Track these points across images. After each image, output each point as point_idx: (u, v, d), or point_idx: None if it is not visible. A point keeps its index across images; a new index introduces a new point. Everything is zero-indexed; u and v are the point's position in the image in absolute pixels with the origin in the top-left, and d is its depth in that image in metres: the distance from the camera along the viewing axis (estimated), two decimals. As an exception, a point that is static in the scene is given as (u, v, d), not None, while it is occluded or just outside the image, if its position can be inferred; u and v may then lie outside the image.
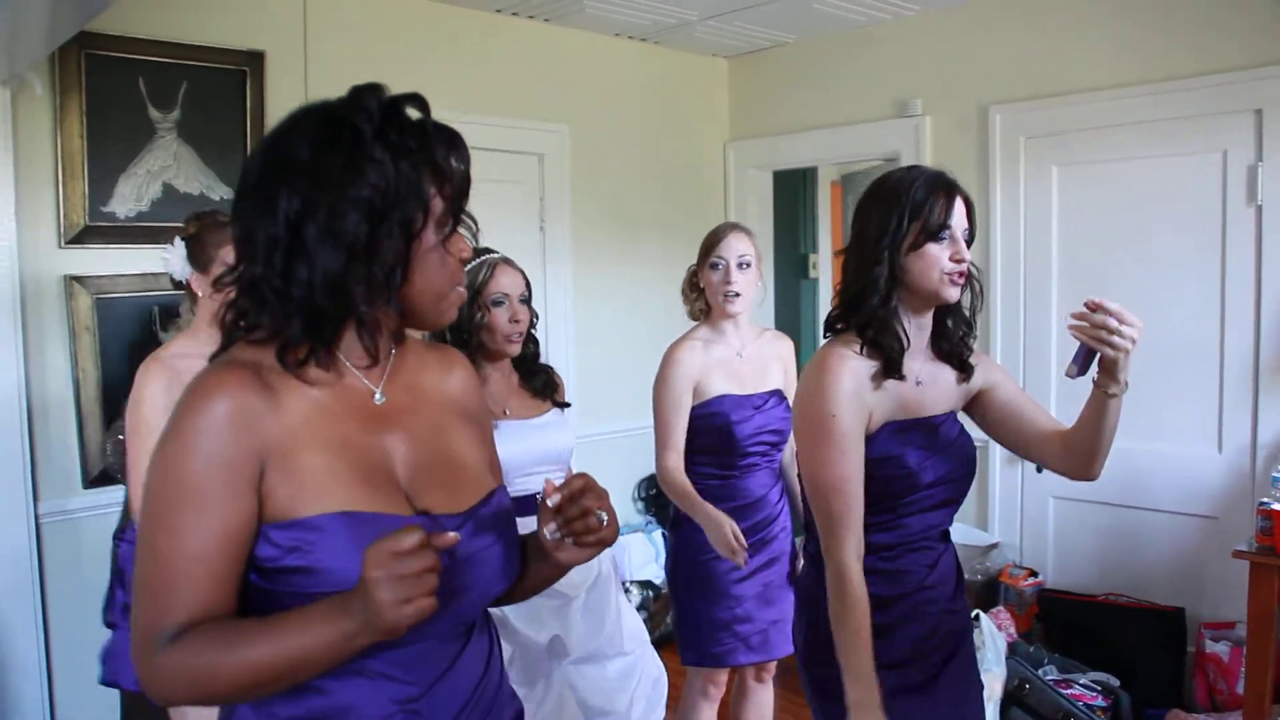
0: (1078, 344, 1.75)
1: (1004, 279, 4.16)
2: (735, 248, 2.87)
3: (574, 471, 1.36)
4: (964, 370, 1.99)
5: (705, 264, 2.92)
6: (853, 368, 1.86)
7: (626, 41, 4.73)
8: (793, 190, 5.81)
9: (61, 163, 3.25)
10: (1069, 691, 3.48)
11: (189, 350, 2.47)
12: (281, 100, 3.69)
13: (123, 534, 2.60)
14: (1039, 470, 4.09)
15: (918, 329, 1.92)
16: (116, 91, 3.34)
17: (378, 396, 1.29)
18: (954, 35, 4.28)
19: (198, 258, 2.60)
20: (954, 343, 1.97)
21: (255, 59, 3.60)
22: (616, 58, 4.72)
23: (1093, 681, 3.54)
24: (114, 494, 3.40)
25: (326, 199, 1.15)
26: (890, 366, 1.86)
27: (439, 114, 1.27)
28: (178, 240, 2.63)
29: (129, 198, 3.40)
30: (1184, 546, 3.76)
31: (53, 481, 3.31)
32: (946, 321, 1.96)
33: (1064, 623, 3.82)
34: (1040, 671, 3.55)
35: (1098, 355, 1.75)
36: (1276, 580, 2.95)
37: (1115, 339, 1.70)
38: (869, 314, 1.87)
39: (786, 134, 4.95)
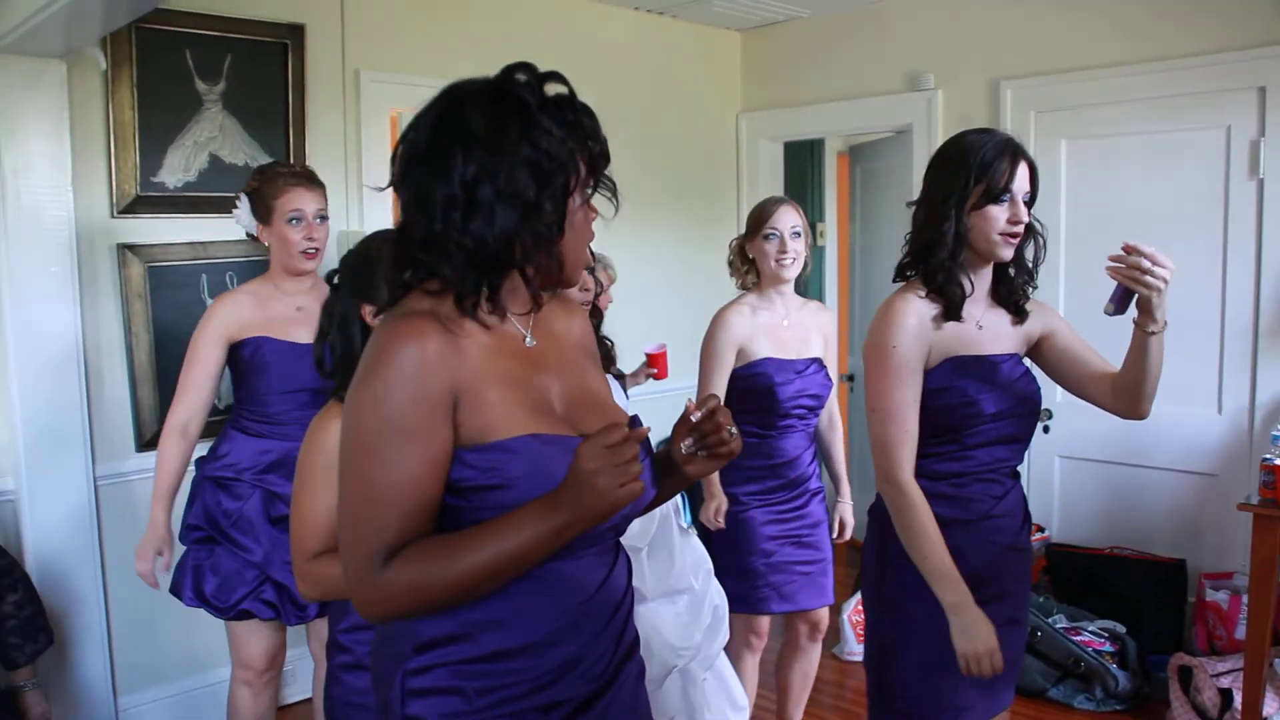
0: (1115, 284, 1.95)
1: (1013, 248, 4.32)
2: (788, 219, 3.04)
3: None
4: (1018, 315, 2.17)
5: (758, 235, 3.06)
6: (917, 308, 2.06)
7: (644, 15, 4.83)
8: (800, 160, 5.95)
9: (113, 134, 3.34)
10: (1079, 639, 3.69)
11: (265, 290, 2.85)
12: (321, 71, 3.78)
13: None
14: (1046, 430, 4.28)
15: (978, 279, 2.11)
16: (165, 64, 3.42)
17: (529, 340, 1.45)
18: (966, 11, 4.43)
19: (258, 210, 2.77)
20: (1013, 290, 2.15)
21: (296, 31, 3.68)
22: (634, 30, 4.83)
23: (1100, 629, 3.76)
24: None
25: (504, 164, 1.31)
26: (952, 310, 2.06)
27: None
28: (243, 196, 2.77)
29: (178, 168, 3.48)
30: (1185, 502, 3.97)
31: (107, 445, 3.42)
32: (1009, 270, 2.14)
33: (1071, 574, 4.03)
34: (1050, 620, 3.76)
35: (1135, 297, 1.95)
36: (1278, 531, 3.16)
37: (1148, 278, 1.90)
38: (936, 265, 2.06)
39: (799, 106, 5.08)
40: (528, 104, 1.33)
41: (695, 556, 2.65)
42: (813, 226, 6.14)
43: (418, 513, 1.30)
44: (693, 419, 1.46)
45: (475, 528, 1.30)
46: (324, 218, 2.81)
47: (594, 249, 3.65)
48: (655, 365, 3.70)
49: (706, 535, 3.21)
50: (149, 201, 3.42)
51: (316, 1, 3.76)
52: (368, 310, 1.89)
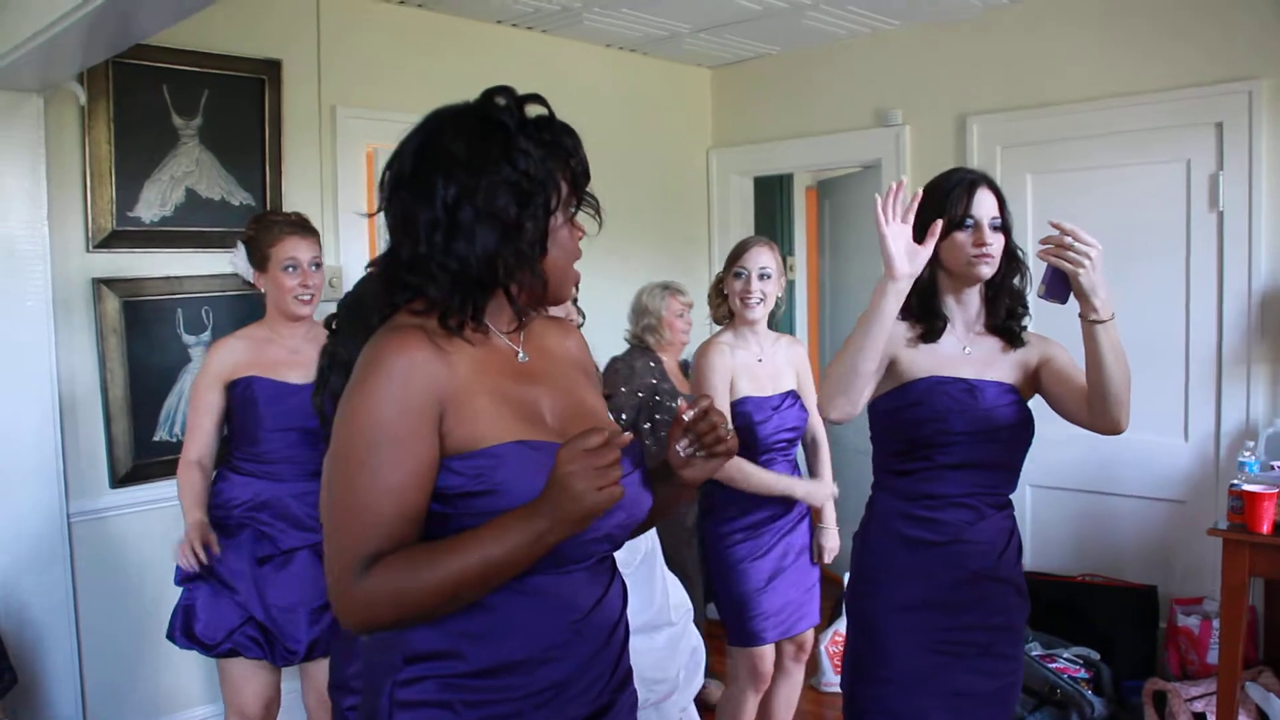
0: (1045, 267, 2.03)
1: (981, 280, 4.41)
2: (758, 260, 3.09)
3: None
4: (1010, 343, 2.26)
5: (730, 273, 3.11)
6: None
7: (616, 52, 4.89)
8: (770, 195, 6.02)
9: (90, 169, 3.33)
10: (1054, 666, 3.73)
11: (260, 334, 2.87)
12: (297, 107, 3.80)
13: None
14: (1017, 460, 4.34)
15: (960, 306, 2.24)
16: (142, 100, 3.42)
17: (521, 356, 1.48)
18: (933, 49, 4.53)
19: (255, 257, 2.82)
20: (1002, 317, 2.25)
21: (273, 67, 3.70)
22: (606, 68, 4.88)
23: (1075, 656, 3.80)
24: (140, 494, 3.48)
25: (484, 185, 1.34)
26: (929, 333, 2.20)
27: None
28: (240, 245, 2.81)
29: (154, 203, 3.47)
30: (1154, 529, 4.03)
31: (81, 482, 3.37)
32: (998, 298, 2.25)
33: (1045, 602, 4.06)
34: (1026, 648, 3.79)
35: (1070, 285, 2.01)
36: (1247, 556, 3.21)
37: (1070, 254, 1.97)
38: (914, 292, 2.13)
39: (769, 142, 5.16)
40: (507, 126, 1.37)
41: (678, 597, 2.68)
42: (783, 260, 6.23)
43: (401, 521, 1.31)
44: (686, 418, 1.48)
45: (457, 535, 1.31)
46: (319, 265, 2.86)
47: (667, 278, 3.86)
48: None
49: (709, 573, 3.24)
50: (125, 236, 3.41)
51: (293, 38, 3.78)
52: None
